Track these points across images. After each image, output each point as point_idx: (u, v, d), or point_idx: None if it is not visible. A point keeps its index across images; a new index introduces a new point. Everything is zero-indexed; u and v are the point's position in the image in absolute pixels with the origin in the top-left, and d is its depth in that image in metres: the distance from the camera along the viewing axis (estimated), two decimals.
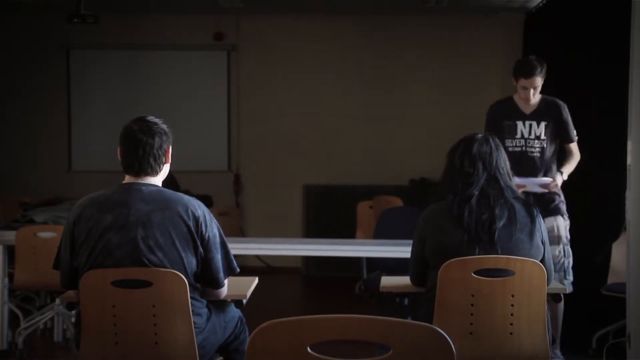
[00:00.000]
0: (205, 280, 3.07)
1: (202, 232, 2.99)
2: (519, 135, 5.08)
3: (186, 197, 3.04)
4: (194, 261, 2.99)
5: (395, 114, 9.72)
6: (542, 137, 5.08)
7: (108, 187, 3.07)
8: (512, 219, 3.16)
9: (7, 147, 9.75)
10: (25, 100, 9.81)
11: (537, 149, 5.09)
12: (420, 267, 3.31)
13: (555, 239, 4.94)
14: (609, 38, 6.07)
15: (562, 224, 5.06)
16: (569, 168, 5.18)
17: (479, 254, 3.12)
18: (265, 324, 1.97)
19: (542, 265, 3.11)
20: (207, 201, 8.16)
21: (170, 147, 3.11)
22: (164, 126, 3.09)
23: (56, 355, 5.58)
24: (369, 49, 9.78)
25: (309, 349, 1.96)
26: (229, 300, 3.29)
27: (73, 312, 5.44)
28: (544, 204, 4.95)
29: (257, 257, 9.01)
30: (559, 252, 4.97)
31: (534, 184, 5.06)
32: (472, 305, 3.08)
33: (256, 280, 3.58)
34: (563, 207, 5.12)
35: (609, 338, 5.44)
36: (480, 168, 3.24)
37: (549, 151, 5.12)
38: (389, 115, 9.70)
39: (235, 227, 8.16)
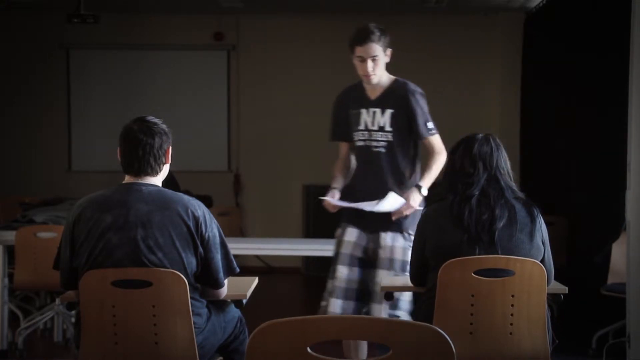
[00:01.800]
0: (205, 280, 3.07)
1: (202, 232, 2.99)
2: (362, 126, 4.19)
3: (186, 197, 3.04)
4: (193, 261, 2.99)
5: None
6: (387, 128, 4.14)
7: (108, 187, 3.07)
8: (513, 219, 3.16)
9: (7, 147, 9.75)
10: (25, 100, 9.81)
11: (382, 143, 4.15)
12: (420, 267, 3.32)
13: (386, 262, 4.03)
14: (609, 38, 6.08)
15: (401, 244, 4.07)
16: (428, 178, 4.10)
17: (479, 254, 3.12)
18: (265, 324, 1.97)
19: (542, 266, 3.11)
20: (207, 201, 8.16)
21: (170, 148, 3.11)
22: (164, 126, 3.10)
23: (56, 355, 5.58)
24: None
25: (309, 349, 1.96)
26: (229, 300, 3.29)
27: (73, 312, 5.44)
28: (377, 215, 4.03)
29: (257, 257, 9.01)
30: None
31: (373, 207, 4.02)
32: (472, 305, 3.08)
33: (256, 280, 3.58)
34: (408, 221, 4.07)
35: (609, 338, 5.45)
36: (480, 168, 3.24)
37: (400, 149, 4.15)
38: None
39: (235, 227, 8.16)
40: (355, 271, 4.12)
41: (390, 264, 4.03)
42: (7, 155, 9.74)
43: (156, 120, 3.09)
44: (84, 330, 2.97)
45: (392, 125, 4.13)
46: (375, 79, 4.15)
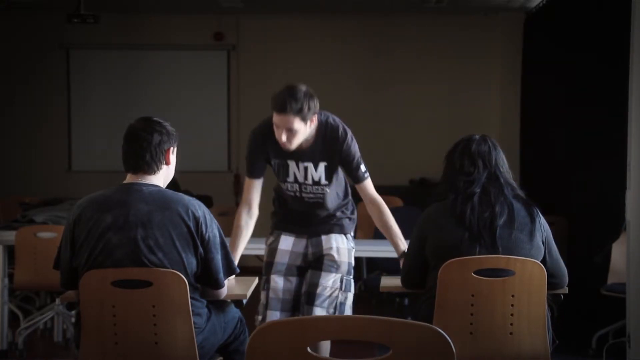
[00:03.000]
0: (205, 280, 3.07)
1: (202, 232, 2.99)
2: (291, 178, 3.84)
3: (186, 198, 3.04)
4: (194, 261, 2.99)
5: (395, 113, 9.72)
6: (323, 182, 3.81)
7: (108, 187, 3.07)
8: (511, 217, 3.16)
9: (7, 147, 9.75)
10: (25, 100, 9.82)
11: (320, 195, 3.85)
12: (416, 267, 3.31)
13: (333, 265, 3.86)
14: (609, 38, 6.08)
15: (346, 246, 3.93)
16: (401, 240, 3.82)
17: (479, 253, 3.12)
18: (265, 324, 1.97)
19: (542, 266, 3.11)
20: (207, 201, 8.16)
21: (172, 150, 3.08)
22: (170, 128, 3.08)
23: (56, 355, 5.58)
24: (369, 49, 9.78)
25: (309, 349, 1.96)
26: (229, 300, 3.29)
27: (73, 312, 5.44)
28: (314, 219, 3.91)
29: (257, 257, 9.00)
30: (334, 282, 3.84)
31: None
32: (472, 305, 3.08)
33: (256, 280, 3.58)
34: (349, 224, 3.98)
35: (609, 338, 5.45)
36: (480, 166, 3.25)
37: (334, 197, 3.89)
38: (389, 115, 9.71)
39: None
40: (293, 281, 3.89)
41: (338, 267, 3.86)
42: (7, 155, 9.74)
43: (161, 120, 3.08)
44: (84, 330, 2.97)
45: (327, 178, 3.80)
46: (291, 148, 3.69)
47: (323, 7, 9.36)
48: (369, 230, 7.56)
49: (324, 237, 3.91)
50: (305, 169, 3.80)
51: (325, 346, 3.75)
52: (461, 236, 3.15)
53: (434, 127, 9.45)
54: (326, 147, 3.78)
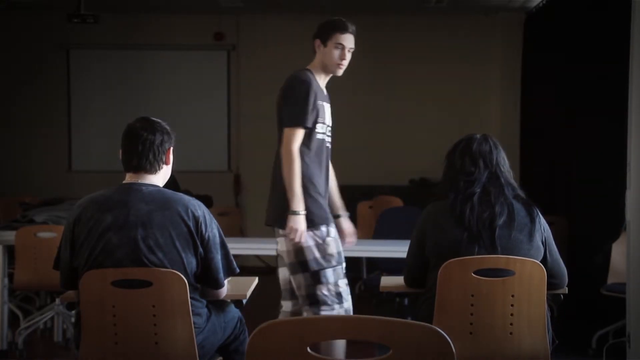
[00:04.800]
0: (205, 280, 3.07)
1: (202, 232, 2.99)
2: (324, 120, 4.10)
3: (186, 197, 3.04)
4: (193, 261, 2.99)
5: (395, 114, 9.72)
6: (332, 125, 4.21)
7: (108, 187, 3.07)
8: (511, 217, 3.16)
9: (7, 147, 9.75)
10: (25, 100, 9.82)
11: (330, 139, 4.20)
12: (417, 266, 3.31)
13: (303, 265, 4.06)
14: (609, 38, 6.08)
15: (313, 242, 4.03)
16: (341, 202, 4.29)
17: (478, 253, 3.12)
18: (265, 324, 1.97)
19: (542, 266, 3.11)
20: (207, 201, 8.16)
21: (172, 149, 3.10)
22: (167, 127, 3.10)
23: (56, 355, 5.58)
24: (369, 49, 9.76)
25: (309, 349, 1.96)
26: (229, 300, 3.29)
27: (73, 312, 5.44)
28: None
29: (257, 257, 9.01)
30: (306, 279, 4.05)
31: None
32: (472, 305, 3.08)
33: (256, 280, 3.58)
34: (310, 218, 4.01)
35: (609, 338, 5.45)
36: (481, 166, 3.25)
37: None
38: (389, 115, 9.71)
39: (235, 227, 8.16)
40: None
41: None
42: (7, 155, 9.74)
43: (159, 120, 3.10)
44: (84, 330, 2.97)
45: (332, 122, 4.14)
46: (341, 73, 4.08)
47: (323, 7, 9.35)
48: (369, 230, 7.56)
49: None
50: (329, 109, 4.14)
51: (340, 345, 3.78)
52: (460, 236, 3.15)
53: (434, 127, 9.45)
54: (327, 93, 4.15)
